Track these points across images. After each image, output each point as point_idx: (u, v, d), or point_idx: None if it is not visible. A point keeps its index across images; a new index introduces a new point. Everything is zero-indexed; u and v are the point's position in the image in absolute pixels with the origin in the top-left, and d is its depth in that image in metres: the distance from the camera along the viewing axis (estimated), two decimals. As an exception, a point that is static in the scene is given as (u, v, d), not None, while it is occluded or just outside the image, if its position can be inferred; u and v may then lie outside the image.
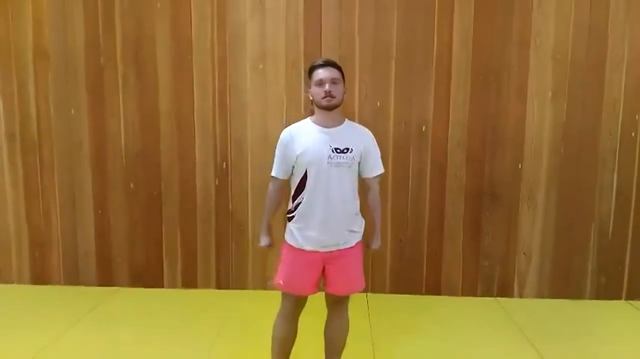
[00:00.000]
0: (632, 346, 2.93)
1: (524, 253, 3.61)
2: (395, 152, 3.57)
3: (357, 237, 2.33)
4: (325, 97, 2.19)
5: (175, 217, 3.72)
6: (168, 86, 3.61)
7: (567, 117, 3.49)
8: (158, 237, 3.74)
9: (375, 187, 2.39)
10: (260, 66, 3.56)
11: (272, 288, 2.35)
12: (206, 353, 2.79)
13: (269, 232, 2.44)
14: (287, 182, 2.36)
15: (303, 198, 2.24)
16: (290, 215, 2.30)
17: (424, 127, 3.55)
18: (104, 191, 3.72)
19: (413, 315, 3.34)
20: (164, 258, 3.76)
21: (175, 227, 3.72)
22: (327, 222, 2.22)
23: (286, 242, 2.33)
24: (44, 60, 3.65)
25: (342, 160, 2.21)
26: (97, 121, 3.67)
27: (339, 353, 2.42)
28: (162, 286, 3.77)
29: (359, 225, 2.34)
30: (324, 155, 2.20)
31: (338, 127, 2.26)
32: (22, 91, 3.68)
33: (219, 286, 3.74)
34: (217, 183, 3.67)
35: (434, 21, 3.48)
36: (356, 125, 2.38)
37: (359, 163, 2.30)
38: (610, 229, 3.57)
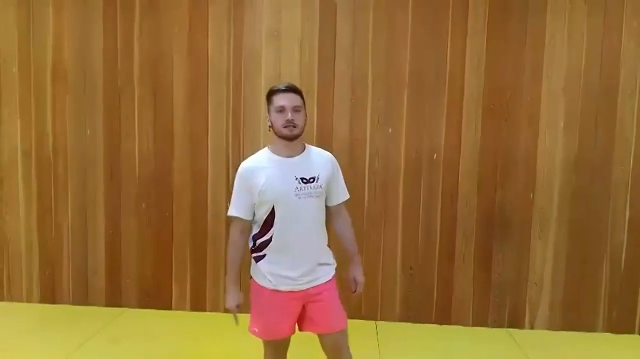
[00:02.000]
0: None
1: (535, 284, 3.57)
2: (406, 179, 3.58)
3: (332, 271, 2.18)
4: (287, 126, 2.03)
5: (186, 239, 3.73)
6: (183, 109, 3.66)
7: (579, 148, 3.50)
8: (168, 259, 3.75)
9: (344, 213, 2.25)
10: (275, 91, 3.60)
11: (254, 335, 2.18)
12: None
13: (239, 288, 2.16)
14: (250, 224, 2.14)
15: (272, 236, 2.06)
16: (259, 254, 2.11)
17: (435, 155, 3.56)
18: (117, 211, 3.75)
19: (423, 344, 3.30)
20: (174, 280, 3.75)
21: (185, 250, 3.73)
22: (301, 259, 2.07)
23: (255, 283, 2.14)
24: (63, 80, 3.72)
25: (310, 191, 2.06)
26: (113, 141, 3.72)
27: None
28: (170, 308, 3.76)
29: (330, 256, 2.20)
30: (290, 188, 2.03)
31: (300, 156, 2.11)
32: (39, 109, 3.75)
33: (227, 310, 3.72)
34: (228, 205, 3.67)
35: (447, 50, 3.52)
36: (317, 150, 2.21)
37: (326, 191, 2.14)
38: (623, 261, 3.53)
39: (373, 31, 3.54)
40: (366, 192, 3.59)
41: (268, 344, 2.19)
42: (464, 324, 3.62)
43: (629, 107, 3.46)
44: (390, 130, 3.57)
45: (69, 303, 3.82)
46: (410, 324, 3.61)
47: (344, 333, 2.17)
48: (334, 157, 2.22)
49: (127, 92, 3.69)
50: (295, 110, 2.06)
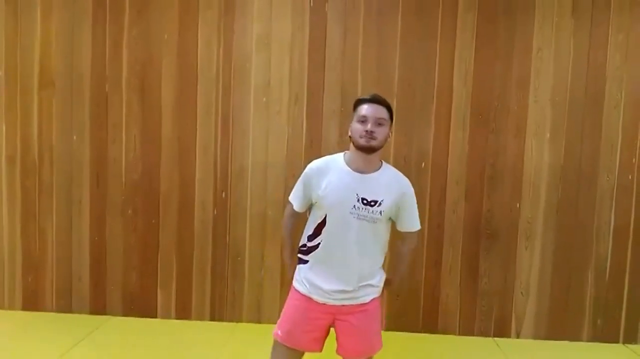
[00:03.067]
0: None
1: (521, 293, 3.59)
2: (394, 187, 3.58)
3: (374, 293, 2.09)
4: (364, 136, 1.96)
5: (171, 246, 3.69)
6: (171, 115, 3.65)
7: (565, 158, 3.54)
8: (154, 266, 3.71)
9: (409, 241, 2.21)
10: (264, 98, 3.60)
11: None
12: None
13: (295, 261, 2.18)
14: (302, 215, 2.19)
15: (320, 244, 2.03)
16: (304, 258, 2.10)
17: (423, 164, 3.58)
18: (102, 217, 3.71)
19: (409, 353, 3.30)
20: (159, 287, 3.72)
21: (171, 256, 3.70)
22: (339, 276, 2.00)
23: (293, 287, 2.13)
24: (49, 86, 3.68)
25: (365, 213, 1.97)
26: (99, 147, 3.68)
27: None
28: (155, 316, 3.72)
29: (378, 279, 2.12)
30: (348, 204, 1.97)
31: (372, 174, 2.02)
32: (25, 115, 3.70)
33: (213, 318, 3.69)
34: (215, 212, 3.66)
35: (436, 60, 3.55)
36: (394, 172, 2.11)
37: (392, 217, 2.08)
38: (607, 270, 3.57)
39: (363, 40, 3.56)
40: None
41: (278, 351, 2.10)
42: (451, 332, 3.62)
43: (614, 118, 3.52)
44: (379, 138, 3.58)
45: (52, 310, 3.76)
46: (396, 333, 3.61)
47: None
48: (409, 185, 2.12)
49: (114, 97, 3.67)
50: (378, 123, 1.98)
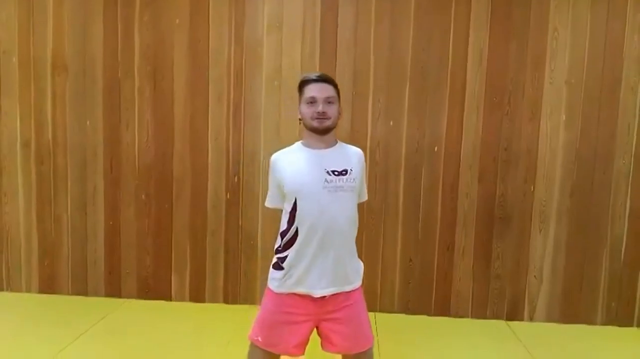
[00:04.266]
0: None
1: (534, 276, 3.58)
2: (407, 171, 3.57)
3: (357, 280, 2.00)
4: (317, 118, 1.91)
5: (185, 230, 3.72)
6: (183, 100, 3.65)
7: (581, 140, 3.49)
8: (167, 250, 3.75)
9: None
10: (276, 82, 3.59)
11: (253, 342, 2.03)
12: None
13: None
14: None
15: (296, 232, 1.90)
16: (281, 256, 1.96)
17: (436, 147, 3.55)
18: (116, 202, 3.74)
19: (421, 335, 3.31)
20: (173, 271, 3.76)
21: (185, 241, 3.73)
22: (326, 260, 1.89)
23: (270, 290, 1.99)
24: (63, 71, 3.70)
25: (341, 184, 1.90)
26: (112, 132, 3.70)
27: None
28: (170, 299, 3.76)
29: (359, 266, 2.04)
30: (318, 179, 1.89)
31: (333, 149, 1.98)
32: (39, 100, 3.73)
33: (226, 301, 3.73)
34: (228, 197, 3.68)
35: (449, 42, 3.50)
36: (350, 146, 2.07)
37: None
38: (622, 253, 3.54)
39: (375, 23, 3.52)
40: (367, 183, 3.57)
41: (255, 354, 2.00)
42: (463, 316, 3.63)
43: (630, 99, 3.46)
44: (391, 122, 3.56)
45: (68, 293, 3.82)
46: (409, 316, 3.62)
47: (368, 354, 2.00)
48: (363, 155, 2.07)
49: (127, 83, 3.67)
50: (328, 101, 1.92)
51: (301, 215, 1.90)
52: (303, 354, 1.98)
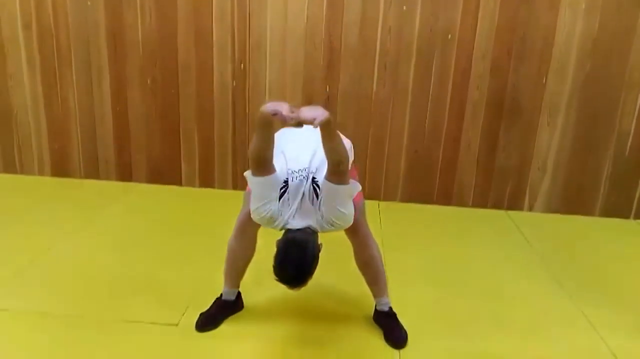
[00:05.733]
0: (637, 265, 3.00)
1: (538, 168, 3.62)
2: (418, 59, 3.48)
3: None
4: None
5: (192, 117, 3.72)
6: (187, -21, 3.48)
7: (598, 31, 3.36)
8: (176, 137, 3.77)
9: None
10: (284, -39, 3.40)
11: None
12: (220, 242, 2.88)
13: None
14: None
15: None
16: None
17: (449, 35, 3.43)
18: (122, 87, 3.71)
19: (423, 223, 3.43)
20: (182, 157, 3.81)
21: (192, 127, 3.74)
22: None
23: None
24: (59, -55, 3.49)
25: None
26: (114, 11, 3.57)
27: (375, 283, 2.15)
28: (180, 184, 3.86)
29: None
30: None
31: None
32: (36, -22, 3.57)
33: (235, 187, 3.82)
34: (234, 84, 3.63)
35: None
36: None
37: None
38: (628, 147, 3.55)
39: None
40: (375, 73, 3.51)
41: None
42: (464, 204, 3.73)
43: (656, -12, 3.28)
44: (405, 7, 3.41)
45: (80, 177, 3.92)
46: (411, 204, 3.73)
47: (360, 234, 2.06)
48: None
49: (127, -41, 3.48)
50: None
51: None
52: None
